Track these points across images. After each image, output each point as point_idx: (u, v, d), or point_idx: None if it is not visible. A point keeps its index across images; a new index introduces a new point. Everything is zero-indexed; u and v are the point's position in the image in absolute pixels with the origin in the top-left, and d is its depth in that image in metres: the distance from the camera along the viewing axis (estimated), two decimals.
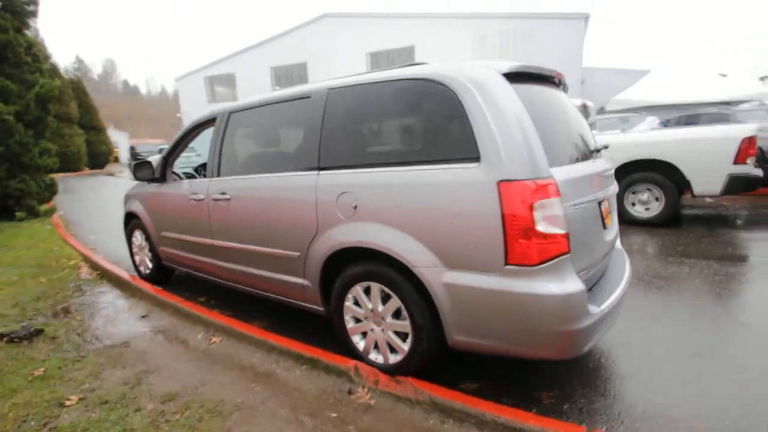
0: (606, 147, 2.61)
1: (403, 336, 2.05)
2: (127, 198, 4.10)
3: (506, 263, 1.65)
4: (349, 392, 1.97)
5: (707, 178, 4.84)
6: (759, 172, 4.84)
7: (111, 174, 22.84)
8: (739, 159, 4.71)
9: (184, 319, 2.94)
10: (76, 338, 2.76)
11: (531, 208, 1.60)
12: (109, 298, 3.52)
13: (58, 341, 2.70)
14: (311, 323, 2.87)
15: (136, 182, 4.11)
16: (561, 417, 1.81)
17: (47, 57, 16.62)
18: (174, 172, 3.67)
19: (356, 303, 2.20)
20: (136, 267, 4.13)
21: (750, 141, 4.69)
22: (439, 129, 1.85)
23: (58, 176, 11.29)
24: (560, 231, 1.63)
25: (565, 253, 1.65)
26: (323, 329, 2.76)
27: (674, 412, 1.79)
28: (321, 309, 2.39)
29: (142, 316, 3.08)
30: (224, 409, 1.89)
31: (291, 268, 2.44)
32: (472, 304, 1.75)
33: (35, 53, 8.50)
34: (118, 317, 3.10)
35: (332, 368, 2.13)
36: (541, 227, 1.60)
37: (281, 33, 22.86)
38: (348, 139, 2.16)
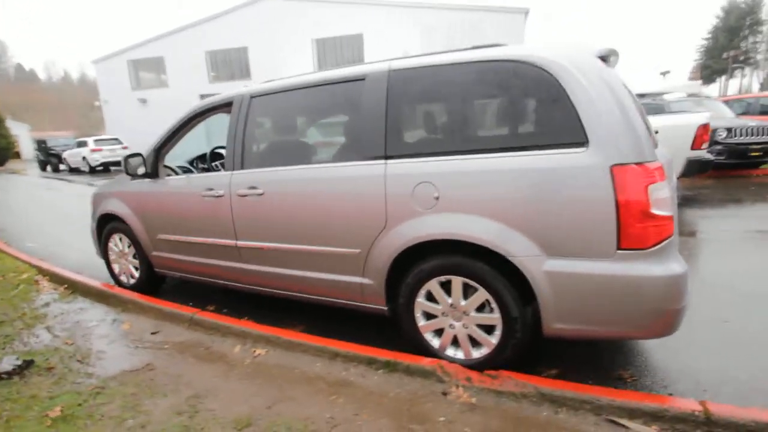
0: (656, 132, 2.72)
1: (487, 329, 1.99)
2: (99, 197, 3.53)
3: (619, 248, 1.65)
4: (444, 393, 1.87)
5: None
6: (711, 157, 5.46)
7: (15, 172, 19.79)
8: (695, 145, 5.27)
9: (209, 332, 2.60)
10: (79, 366, 2.31)
11: (646, 192, 1.61)
12: (97, 315, 3.01)
13: (58, 372, 2.24)
14: (353, 324, 2.69)
15: (108, 179, 3.55)
16: (652, 392, 1.88)
17: None
18: (167, 167, 3.21)
19: (430, 299, 2.08)
20: (115, 277, 3.59)
21: (704, 128, 5.26)
22: (535, 113, 1.78)
23: None
24: (668, 213, 1.66)
25: (671, 235, 1.69)
26: (370, 328, 2.61)
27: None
28: (383, 308, 2.23)
29: (153, 333, 2.67)
30: (319, 428, 1.69)
31: (347, 267, 2.25)
32: (579, 291, 1.73)
33: None
34: (120, 336, 2.66)
35: (414, 369, 2.00)
36: (655, 210, 1.62)
37: (217, 14, 21.15)
38: (423, 125, 2.02)
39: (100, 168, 16.89)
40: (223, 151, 3.83)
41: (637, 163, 1.62)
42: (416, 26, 18.27)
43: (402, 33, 18.40)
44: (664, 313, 1.68)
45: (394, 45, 18.20)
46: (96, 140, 17.31)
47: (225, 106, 2.77)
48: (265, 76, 21.93)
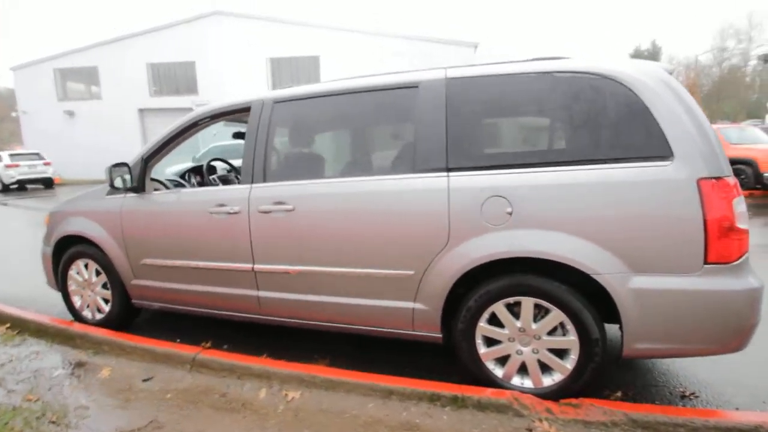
0: None
1: (558, 354, 1.86)
2: (59, 217, 2.96)
3: (706, 262, 1.62)
4: (529, 430, 1.68)
5: None
6: None
7: None
8: None
9: (220, 375, 2.18)
10: (56, 429, 1.80)
11: (731, 205, 1.61)
12: (60, 360, 2.43)
13: None
14: (383, 353, 2.43)
15: (74, 195, 3.01)
16: (715, 408, 1.85)
17: None
18: (156, 180, 2.77)
19: (493, 323, 1.92)
20: (76, 312, 2.98)
21: None
22: (613, 126, 1.74)
23: None
24: (746, 227, 1.67)
25: (748, 249, 1.70)
26: (402, 357, 2.37)
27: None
28: (437, 336, 2.02)
29: (145, 380, 2.19)
30: None
31: (396, 291, 2.02)
32: (664, 308, 1.67)
33: None
34: (100, 386, 2.15)
35: (486, 404, 1.80)
36: (739, 224, 1.62)
37: (161, 26, 19.96)
38: (490, 136, 1.90)
39: (14, 186, 14.79)
40: (218, 164, 3.44)
41: (720, 177, 1.62)
42: (372, 51, 18.67)
43: (358, 57, 18.67)
44: (742, 327, 1.66)
45: (350, 68, 18.38)
46: (12, 155, 15.21)
47: (237, 112, 2.46)
48: (213, 93, 20.87)
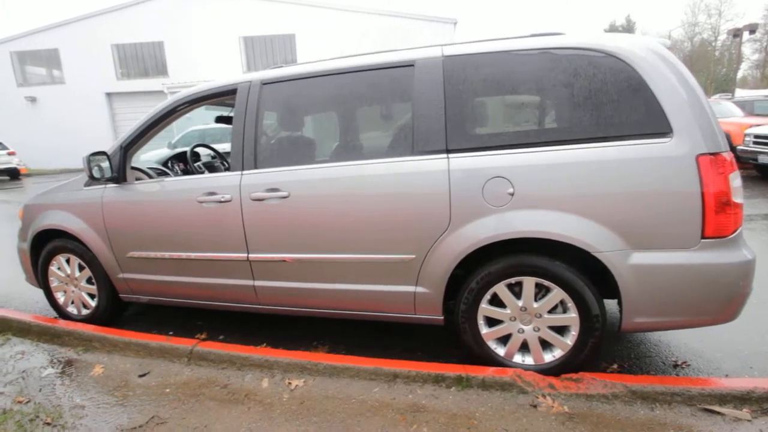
0: None
1: (558, 331, 1.90)
2: (34, 210, 2.80)
3: (703, 237, 1.66)
4: (533, 405, 1.72)
5: None
6: None
7: None
8: None
9: (220, 366, 2.14)
10: (52, 431, 1.74)
11: (728, 180, 1.63)
12: (48, 359, 2.33)
13: None
14: (381, 336, 2.44)
15: (49, 187, 2.85)
16: (707, 376, 1.94)
17: None
18: (137, 168, 2.64)
19: (495, 303, 1.93)
20: (60, 309, 2.87)
21: None
22: (612, 103, 1.73)
23: None
24: (741, 201, 1.71)
25: (742, 223, 1.74)
26: (399, 339, 2.39)
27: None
28: (438, 318, 2.03)
29: (141, 375, 2.13)
30: None
31: (397, 276, 2.00)
32: (662, 283, 1.71)
33: None
34: (95, 384, 2.08)
35: (490, 383, 1.82)
36: (735, 198, 1.65)
37: (126, 4, 18.82)
38: (490, 115, 1.86)
39: None
40: (201, 151, 3.30)
41: (718, 153, 1.64)
42: (349, 29, 18.15)
43: (336, 35, 18.14)
44: (735, 298, 1.72)
45: (328, 46, 17.87)
46: None
47: (221, 95, 2.34)
48: (185, 74, 19.98)
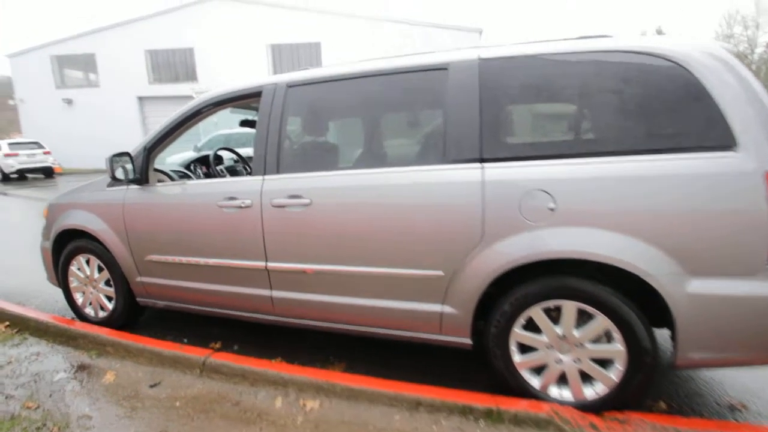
0: None
1: (602, 363, 1.71)
2: (58, 209, 2.79)
3: None
4: None
5: None
6: None
7: None
8: None
9: (233, 381, 2.04)
10: None
11: None
12: (62, 363, 2.29)
13: None
14: (403, 356, 2.29)
15: (74, 186, 2.84)
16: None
17: None
18: (160, 170, 2.60)
19: (530, 329, 1.76)
20: (78, 310, 2.84)
21: None
22: (668, 112, 1.55)
23: None
24: None
25: None
26: (424, 361, 2.23)
27: None
28: (465, 342, 1.87)
29: (152, 385, 2.05)
30: None
31: (423, 293, 1.86)
32: (723, 313, 1.51)
33: None
34: (105, 393, 2.01)
35: (523, 419, 1.65)
36: None
37: (160, 12, 19.53)
38: (530, 123, 1.72)
39: (15, 176, 14.58)
40: (224, 155, 3.26)
41: None
42: (375, 37, 18.25)
43: (361, 44, 18.27)
44: None
45: (353, 55, 17.98)
46: (11, 143, 14.97)
47: (246, 98, 2.28)
48: (213, 80, 20.56)
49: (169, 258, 2.38)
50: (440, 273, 1.81)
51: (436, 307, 1.86)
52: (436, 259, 1.80)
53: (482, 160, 1.73)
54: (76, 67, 20.83)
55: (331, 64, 2.14)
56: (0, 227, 5.72)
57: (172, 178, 2.60)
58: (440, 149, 1.82)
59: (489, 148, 1.73)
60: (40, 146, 15.60)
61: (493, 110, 1.74)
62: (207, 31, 19.25)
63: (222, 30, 19.09)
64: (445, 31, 18.41)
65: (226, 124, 10.32)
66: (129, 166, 2.39)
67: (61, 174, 16.75)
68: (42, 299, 3.30)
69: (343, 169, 1.99)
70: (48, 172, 15.69)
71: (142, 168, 2.43)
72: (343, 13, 18.79)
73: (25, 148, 15.04)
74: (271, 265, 2.11)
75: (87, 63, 20.47)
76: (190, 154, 6.88)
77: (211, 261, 2.27)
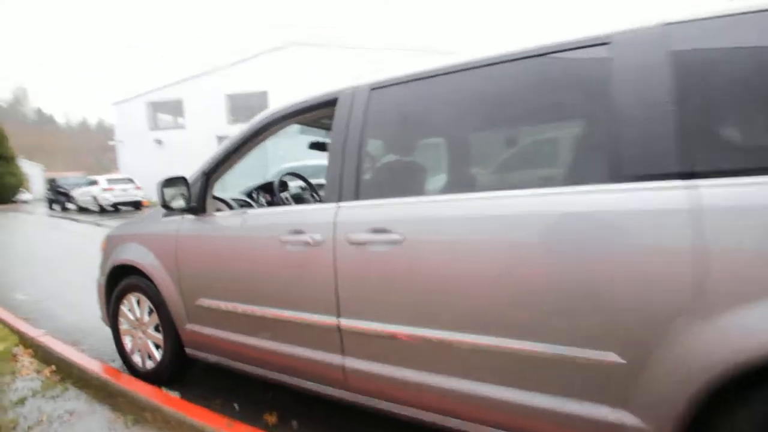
0: None
1: None
2: (115, 241, 2.53)
3: None
4: None
5: None
6: None
7: (20, 210, 19.12)
8: None
9: None
10: None
11: None
12: (95, 429, 1.89)
13: None
14: None
15: (132, 218, 2.58)
16: None
17: None
18: (219, 198, 2.24)
19: None
20: (125, 356, 2.50)
21: None
22: None
23: None
24: None
25: None
26: None
27: None
28: None
29: None
30: None
31: (584, 387, 1.18)
32: None
33: None
34: None
35: None
36: None
37: (239, 60, 21.48)
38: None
39: (111, 208, 16.14)
40: (291, 181, 2.89)
41: None
42: None
43: None
44: None
45: None
46: (109, 179, 16.70)
47: (318, 108, 1.84)
48: None
49: (221, 304, 1.94)
50: (617, 358, 1.12)
51: (607, 414, 1.15)
52: (610, 335, 1.13)
53: (691, 175, 1.07)
54: (166, 111, 23.33)
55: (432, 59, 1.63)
56: (80, 259, 5.92)
57: (231, 207, 2.22)
58: (606, 160, 1.18)
59: (703, 156, 1.06)
60: (132, 182, 17.23)
61: (700, 98, 1.09)
62: (280, 75, 20.63)
63: (294, 73, 20.34)
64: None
65: (292, 156, 10.46)
66: (184, 193, 2.05)
67: (147, 207, 18.32)
68: (96, 337, 3.06)
69: (448, 193, 1.42)
70: (137, 205, 17.20)
71: (199, 195, 2.07)
72: (403, 47, 19.13)
73: (119, 183, 16.68)
74: (345, 322, 1.56)
75: (176, 107, 22.85)
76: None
77: (269, 312, 1.78)
